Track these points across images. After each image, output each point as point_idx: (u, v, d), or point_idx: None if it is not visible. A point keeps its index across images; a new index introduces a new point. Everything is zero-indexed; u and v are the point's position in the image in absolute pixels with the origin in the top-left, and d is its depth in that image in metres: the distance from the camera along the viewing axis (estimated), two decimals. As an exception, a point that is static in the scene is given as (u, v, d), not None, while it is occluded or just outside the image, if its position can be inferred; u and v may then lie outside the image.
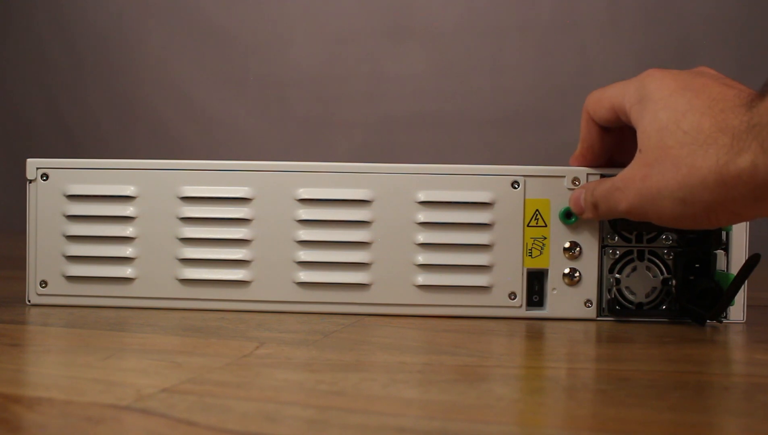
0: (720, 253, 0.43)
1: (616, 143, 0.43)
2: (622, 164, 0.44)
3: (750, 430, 0.24)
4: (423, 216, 0.44)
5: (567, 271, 0.44)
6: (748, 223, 0.43)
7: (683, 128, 0.34)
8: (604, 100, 0.41)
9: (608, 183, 0.39)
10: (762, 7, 1.11)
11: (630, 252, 0.44)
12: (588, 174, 0.43)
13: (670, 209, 0.35)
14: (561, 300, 0.44)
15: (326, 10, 1.27)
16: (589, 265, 0.44)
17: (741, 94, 0.34)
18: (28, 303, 0.45)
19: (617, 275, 0.44)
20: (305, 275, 0.44)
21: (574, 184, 0.43)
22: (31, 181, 0.45)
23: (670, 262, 0.44)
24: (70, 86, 1.38)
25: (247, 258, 0.44)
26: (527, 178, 0.44)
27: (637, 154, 0.37)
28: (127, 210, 0.45)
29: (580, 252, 0.44)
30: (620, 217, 0.41)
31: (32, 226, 0.45)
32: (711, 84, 0.35)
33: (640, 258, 0.44)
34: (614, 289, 0.44)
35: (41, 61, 1.39)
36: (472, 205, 0.44)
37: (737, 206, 0.33)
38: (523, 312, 0.44)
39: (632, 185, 0.37)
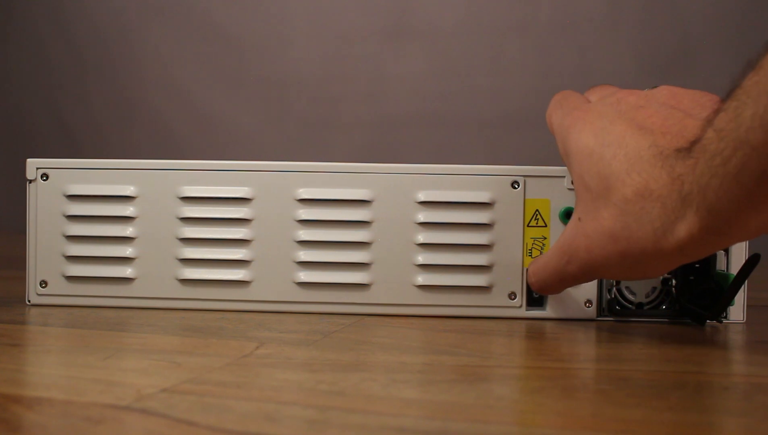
0: (720, 253, 0.43)
1: None
2: None
3: (750, 430, 0.24)
4: (423, 216, 0.44)
5: (567, 271, 0.44)
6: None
7: (613, 200, 0.34)
8: (550, 124, 0.41)
9: (552, 262, 0.39)
10: (762, 7, 1.10)
11: (630, 252, 0.44)
12: (588, 174, 0.43)
13: (618, 274, 0.37)
14: (561, 300, 0.44)
15: (326, 10, 1.27)
16: (589, 265, 0.44)
17: (656, 143, 0.33)
18: (28, 303, 0.45)
19: (617, 275, 0.44)
20: (305, 275, 0.44)
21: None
22: (31, 181, 0.45)
23: (670, 262, 0.44)
24: (71, 86, 1.38)
25: (247, 258, 0.44)
26: (527, 178, 0.44)
27: (577, 223, 0.37)
28: (127, 210, 0.45)
29: (580, 252, 0.44)
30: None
31: (32, 226, 0.45)
32: (626, 134, 0.34)
33: (640, 258, 0.44)
34: (614, 289, 0.44)
35: (41, 60, 1.39)
36: (472, 205, 0.44)
37: (681, 262, 0.34)
38: (523, 312, 0.44)
39: (577, 256, 0.37)
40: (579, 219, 0.37)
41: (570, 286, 0.40)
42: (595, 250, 0.35)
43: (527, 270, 0.42)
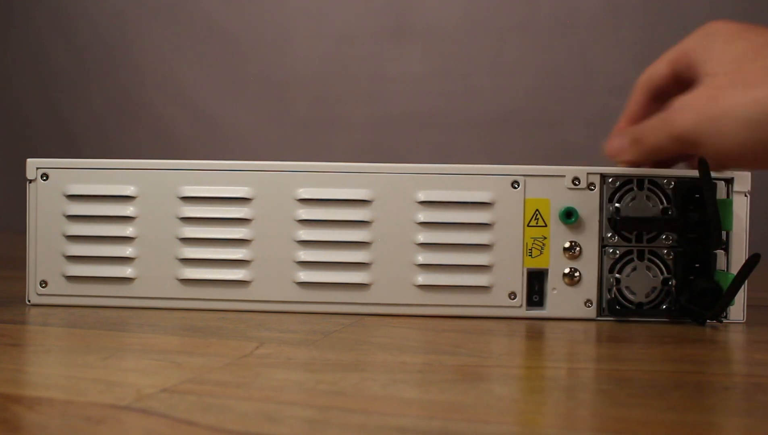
0: (720, 253, 0.43)
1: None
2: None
3: (750, 430, 0.24)
4: (423, 216, 0.44)
5: (567, 270, 0.44)
6: (747, 223, 0.43)
7: (761, 62, 0.34)
8: (661, 60, 0.41)
9: (660, 114, 0.38)
10: (762, 7, 1.10)
11: (630, 252, 0.44)
12: (588, 173, 0.43)
13: (734, 133, 0.34)
14: (561, 300, 0.44)
15: (326, 10, 1.27)
16: (589, 264, 0.44)
17: None
18: (28, 303, 0.45)
19: (617, 275, 0.44)
20: (305, 275, 0.44)
21: (573, 183, 0.43)
22: (31, 181, 0.45)
23: (670, 262, 0.44)
24: (71, 86, 1.38)
25: (247, 258, 0.44)
26: (527, 178, 0.44)
27: (705, 79, 0.36)
28: (127, 210, 0.45)
29: (580, 252, 0.44)
30: (664, 151, 0.38)
31: (32, 226, 0.45)
32: None
33: (640, 258, 0.44)
34: (614, 288, 0.44)
35: (42, 60, 1.39)
36: (472, 205, 0.44)
37: None
38: (523, 312, 0.44)
39: (696, 104, 0.35)
40: (708, 74, 0.36)
41: (658, 149, 0.38)
42: (722, 98, 0.35)
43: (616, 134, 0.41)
